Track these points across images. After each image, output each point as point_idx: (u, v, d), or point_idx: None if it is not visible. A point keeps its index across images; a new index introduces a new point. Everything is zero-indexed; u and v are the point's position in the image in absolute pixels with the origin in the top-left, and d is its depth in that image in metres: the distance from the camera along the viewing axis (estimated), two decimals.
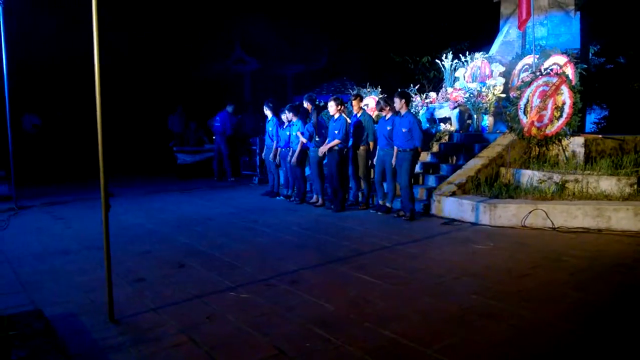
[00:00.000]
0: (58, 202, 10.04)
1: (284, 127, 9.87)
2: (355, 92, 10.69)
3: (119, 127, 14.04)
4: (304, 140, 9.10)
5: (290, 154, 9.60)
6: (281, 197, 10.14)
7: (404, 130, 7.75)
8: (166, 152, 14.79)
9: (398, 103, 7.94)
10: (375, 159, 8.50)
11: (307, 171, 9.68)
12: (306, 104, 9.59)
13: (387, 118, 8.20)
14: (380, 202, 8.47)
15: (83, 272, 5.28)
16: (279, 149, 10.06)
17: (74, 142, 14.80)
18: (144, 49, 16.89)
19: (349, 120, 8.72)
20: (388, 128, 8.11)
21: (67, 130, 15.39)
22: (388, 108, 8.19)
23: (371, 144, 8.78)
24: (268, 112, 10.36)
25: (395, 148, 7.94)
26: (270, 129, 10.26)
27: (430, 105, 11.31)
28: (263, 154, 11.01)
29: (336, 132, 8.59)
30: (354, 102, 9.12)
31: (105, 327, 3.84)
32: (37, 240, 6.80)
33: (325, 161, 9.01)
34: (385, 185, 8.39)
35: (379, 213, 8.31)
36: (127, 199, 10.16)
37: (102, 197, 3.91)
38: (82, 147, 13.17)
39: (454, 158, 9.57)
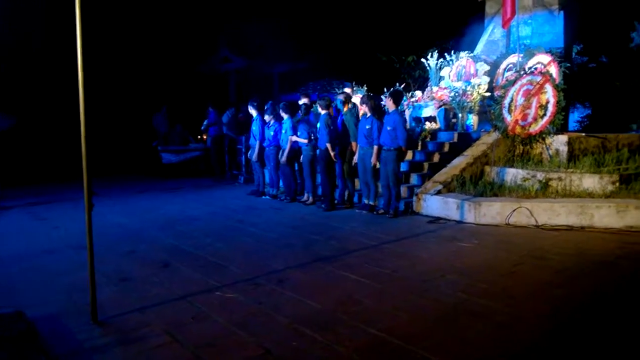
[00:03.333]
0: (41, 202, 9.91)
1: (269, 126, 9.84)
2: (341, 91, 10.68)
3: (103, 127, 13.88)
4: (305, 141, 9.03)
5: (280, 152, 9.58)
6: (267, 196, 10.11)
7: (389, 128, 7.77)
8: (151, 151, 14.66)
9: (386, 101, 7.97)
10: (356, 158, 8.50)
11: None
12: (304, 100, 9.64)
13: (367, 117, 8.20)
14: (366, 201, 8.47)
15: (66, 272, 5.21)
16: (264, 148, 10.02)
17: (55, 141, 14.60)
18: (128, 47, 16.72)
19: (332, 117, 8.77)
20: (367, 127, 8.11)
21: (48, 129, 15.16)
22: (364, 106, 8.18)
23: (353, 144, 8.76)
24: (253, 111, 10.30)
25: (376, 147, 7.94)
26: (254, 128, 10.20)
27: (415, 104, 11.34)
28: (248, 154, 10.97)
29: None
30: (341, 97, 9.17)
31: (89, 328, 3.80)
32: (20, 241, 6.70)
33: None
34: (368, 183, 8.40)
35: (364, 212, 8.32)
36: (112, 199, 10.06)
37: (85, 195, 3.86)
38: (65, 147, 13.01)
39: (439, 156, 9.60)
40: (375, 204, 8.32)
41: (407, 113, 11.05)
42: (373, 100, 8.27)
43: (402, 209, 8.17)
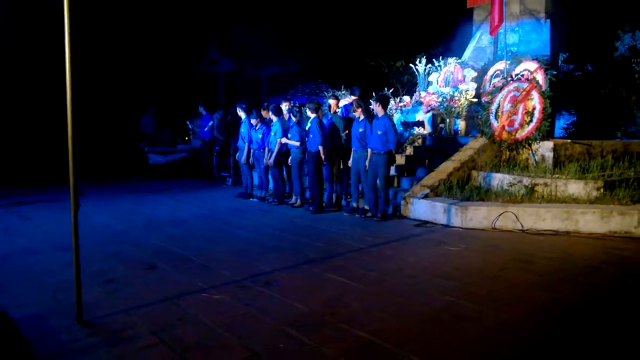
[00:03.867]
0: (26, 202, 9.78)
1: (257, 128, 9.82)
2: (330, 94, 10.71)
3: (91, 127, 13.77)
4: (297, 144, 9.02)
5: (267, 154, 9.57)
6: (255, 198, 10.08)
7: (379, 132, 7.80)
8: (138, 152, 14.55)
9: (374, 106, 8.00)
10: (350, 161, 8.52)
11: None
12: (285, 104, 9.69)
13: (360, 120, 8.23)
14: (354, 204, 8.49)
15: (51, 272, 5.15)
16: (252, 150, 10.00)
17: (43, 141, 14.43)
18: (116, 47, 16.61)
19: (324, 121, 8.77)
20: (360, 130, 8.14)
21: (36, 129, 14.99)
22: (360, 110, 8.21)
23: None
24: (241, 114, 10.29)
25: (370, 150, 7.98)
26: (242, 130, 10.19)
27: (403, 108, 11.41)
28: (236, 156, 10.94)
29: (311, 135, 8.61)
30: (331, 102, 9.21)
31: (75, 328, 3.76)
32: (4, 241, 6.61)
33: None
34: (360, 187, 8.42)
35: (356, 215, 8.31)
36: (98, 200, 9.96)
37: (71, 195, 3.82)
38: (52, 147, 12.86)
39: (427, 161, 9.66)
40: (364, 207, 8.34)
41: (395, 117, 11.12)
42: (365, 104, 8.32)
43: (390, 212, 8.21)
